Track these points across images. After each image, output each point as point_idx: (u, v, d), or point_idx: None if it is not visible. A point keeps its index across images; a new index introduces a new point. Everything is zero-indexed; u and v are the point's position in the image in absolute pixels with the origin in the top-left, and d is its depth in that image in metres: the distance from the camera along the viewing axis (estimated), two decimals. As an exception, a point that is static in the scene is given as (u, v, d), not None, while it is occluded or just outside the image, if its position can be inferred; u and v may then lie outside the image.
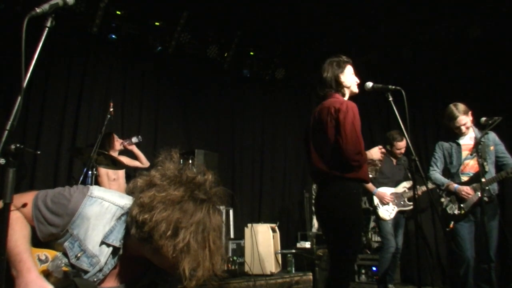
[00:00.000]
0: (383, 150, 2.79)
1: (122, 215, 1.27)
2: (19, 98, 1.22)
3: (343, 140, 2.45)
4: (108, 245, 1.25)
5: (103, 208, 1.27)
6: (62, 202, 1.26)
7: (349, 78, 2.80)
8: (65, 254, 1.24)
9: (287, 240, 6.02)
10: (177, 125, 6.04)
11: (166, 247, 1.09)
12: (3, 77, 4.29)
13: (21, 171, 4.40)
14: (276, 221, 5.34)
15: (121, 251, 1.26)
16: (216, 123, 6.41)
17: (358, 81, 2.83)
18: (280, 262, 4.92)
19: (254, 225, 4.82)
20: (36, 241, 1.27)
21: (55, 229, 1.25)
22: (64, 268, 1.22)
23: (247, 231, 4.81)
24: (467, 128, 3.58)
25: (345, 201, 2.49)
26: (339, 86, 2.76)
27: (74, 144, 4.86)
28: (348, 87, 2.80)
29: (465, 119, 3.55)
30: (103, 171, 4.51)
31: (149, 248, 1.16)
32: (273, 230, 4.95)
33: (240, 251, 4.98)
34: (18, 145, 1.18)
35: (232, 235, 5.58)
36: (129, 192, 1.24)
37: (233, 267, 4.32)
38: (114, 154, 4.53)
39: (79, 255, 1.23)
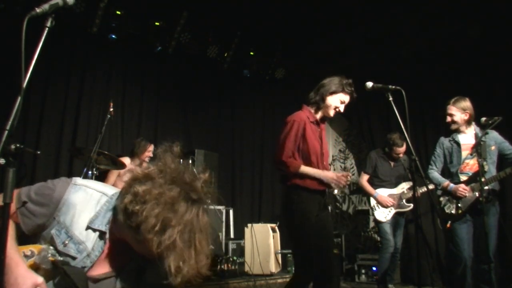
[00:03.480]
0: (346, 180, 2.80)
1: (107, 201, 1.31)
2: (19, 98, 1.22)
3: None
4: (94, 230, 1.28)
5: (87, 194, 1.31)
6: (47, 192, 1.30)
7: (334, 100, 2.88)
8: (52, 243, 1.27)
9: (287, 240, 6.02)
10: (177, 125, 6.05)
11: (152, 242, 1.11)
12: (3, 77, 4.29)
13: (21, 171, 4.40)
14: (276, 221, 5.34)
15: (107, 235, 1.29)
16: (216, 123, 6.41)
17: (341, 110, 2.93)
18: (280, 262, 4.92)
19: (254, 225, 4.82)
20: (20, 240, 1.28)
21: (41, 220, 1.28)
22: (51, 259, 1.24)
23: (247, 231, 4.81)
24: (454, 122, 3.58)
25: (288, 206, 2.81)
26: (321, 101, 2.89)
27: (74, 144, 4.86)
28: (326, 106, 2.90)
29: (453, 110, 3.56)
30: (114, 172, 4.50)
31: (133, 237, 1.19)
32: (273, 230, 4.95)
33: (240, 251, 4.98)
34: (18, 145, 1.18)
35: (232, 235, 5.59)
36: (123, 174, 1.26)
37: (233, 267, 4.33)
38: (139, 160, 4.54)
39: (66, 242, 1.26)
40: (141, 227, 1.12)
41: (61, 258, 1.26)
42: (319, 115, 2.95)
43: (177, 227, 1.12)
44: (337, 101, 2.88)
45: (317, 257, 2.66)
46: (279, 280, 4.42)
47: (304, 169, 2.77)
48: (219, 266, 4.27)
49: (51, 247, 1.26)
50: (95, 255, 1.28)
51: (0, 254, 1.10)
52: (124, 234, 1.24)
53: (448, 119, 3.60)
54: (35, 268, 1.23)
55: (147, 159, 4.63)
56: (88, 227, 1.28)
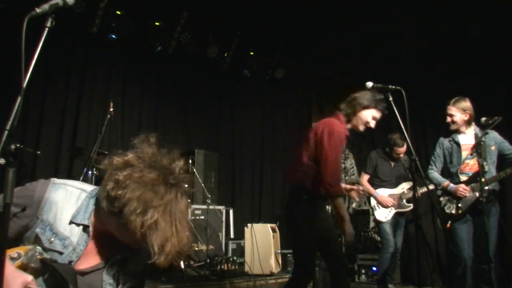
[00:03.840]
0: (361, 193, 3.01)
1: (86, 196, 1.37)
2: (19, 98, 1.22)
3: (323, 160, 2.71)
4: (78, 225, 1.33)
5: (67, 192, 1.36)
6: (28, 193, 1.32)
7: (366, 115, 2.89)
8: (37, 242, 1.29)
9: (287, 240, 6.02)
10: (177, 125, 6.05)
11: (135, 223, 1.17)
12: (3, 77, 4.29)
13: (21, 171, 4.40)
14: (276, 221, 5.34)
15: (90, 228, 1.34)
16: (216, 123, 6.41)
17: (371, 126, 2.93)
18: (280, 262, 4.92)
19: (254, 225, 4.82)
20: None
21: (25, 221, 1.30)
22: (39, 257, 1.26)
23: (247, 231, 4.81)
24: (454, 122, 3.58)
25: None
26: (352, 114, 2.89)
27: (74, 144, 4.86)
28: (357, 120, 2.91)
29: (454, 111, 3.55)
30: None
31: (116, 223, 1.24)
32: (273, 230, 4.95)
33: (240, 251, 4.98)
34: (18, 145, 1.18)
35: (232, 235, 5.59)
36: (104, 167, 1.30)
37: (233, 267, 4.33)
38: None
39: (51, 238, 1.29)
40: (124, 210, 1.18)
41: (48, 256, 1.28)
42: (348, 127, 2.95)
43: (158, 207, 1.18)
44: (369, 117, 2.88)
45: (340, 250, 2.82)
46: (279, 280, 4.42)
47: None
48: (219, 266, 4.27)
49: (38, 247, 1.28)
50: (80, 249, 1.32)
51: (0, 254, 1.10)
52: (108, 223, 1.29)
53: (448, 119, 3.60)
54: (23, 268, 1.24)
55: None
56: (71, 222, 1.33)
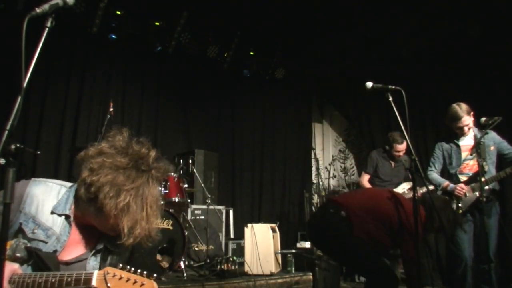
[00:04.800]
0: None
1: (66, 191, 1.44)
2: (19, 98, 1.22)
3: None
4: (59, 215, 1.39)
5: (48, 187, 1.43)
6: None
7: None
8: (22, 233, 1.35)
9: (287, 240, 6.03)
10: (177, 125, 6.05)
11: (109, 206, 1.24)
12: (3, 77, 4.29)
13: (21, 171, 4.40)
14: (276, 221, 5.34)
15: (72, 218, 1.40)
16: (216, 123, 6.41)
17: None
18: (280, 262, 4.92)
19: (254, 225, 4.81)
20: None
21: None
22: (24, 246, 1.32)
23: (247, 231, 4.80)
24: (469, 128, 3.57)
25: None
26: None
27: (74, 144, 4.86)
28: None
29: (468, 120, 3.53)
30: None
31: (93, 209, 1.31)
32: (273, 230, 4.94)
33: (240, 251, 4.98)
34: (18, 145, 1.18)
35: (232, 235, 5.59)
36: (80, 159, 1.35)
37: (233, 267, 4.32)
38: None
39: (35, 230, 1.35)
40: (99, 195, 1.26)
41: (33, 246, 1.34)
42: None
43: (130, 190, 1.26)
44: None
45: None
46: (279, 280, 4.42)
47: None
48: (219, 266, 4.26)
49: (22, 239, 1.34)
50: (64, 239, 1.38)
51: (0, 254, 1.10)
52: (87, 212, 1.36)
53: (466, 130, 3.57)
54: (10, 259, 1.30)
55: None
56: (52, 213, 1.39)
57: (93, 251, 1.42)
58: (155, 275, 1.35)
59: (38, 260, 1.31)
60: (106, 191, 1.25)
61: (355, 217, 2.62)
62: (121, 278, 1.28)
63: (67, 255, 1.38)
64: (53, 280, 1.28)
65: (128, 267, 1.31)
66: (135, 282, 1.27)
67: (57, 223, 1.38)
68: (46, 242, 1.35)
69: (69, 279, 1.28)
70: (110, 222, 1.30)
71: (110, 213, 1.26)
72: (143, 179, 1.31)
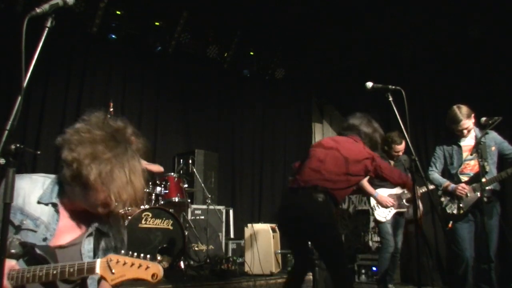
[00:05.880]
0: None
1: (51, 182, 1.46)
2: (19, 98, 1.23)
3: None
4: (46, 204, 1.41)
5: (32, 180, 1.46)
6: None
7: None
8: (11, 226, 1.36)
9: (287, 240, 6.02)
10: (177, 125, 6.05)
11: (93, 177, 1.27)
12: (3, 77, 4.29)
13: (21, 171, 4.40)
14: (276, 221, 5.33)
15: (59, 206, 1.42)
16: (216, 123, 6.41)
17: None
18: (280, 262, 4.92)
19: (254, 225, 4.81)
20: None
21: None
22: (18, 242, 1.33)
23: (247, 231, 4.80)
24: (469, 131, 3.57)
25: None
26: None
27: (74, 144, 4.86)
28: None
29: (467, 123, 3.52)
30: None
31: (79, 187, 1.33)
32: (273, 230, 4.94)
33: (240, 251, 4.98)
34: (18, 145, 1.18)
35: (232, 235, 5.59)
36: (60, 144, 1.38)
37: (233, 267, 4.32)
38: None
39: (23, 220, 1.37)
40: (81, 170, 1.28)
41: (22, 235, 1.36)
42: None
43: (111, 159, 1.30)
44: None
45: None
46: (279, 280, 4.42)
47: None
48: (219, 266, 4.26)
49: (14, 235, 1.36)
50: (53, 227, 1.40)
51: (0, 254, 1.10)
52: (74, 194, 1.38)
53: (465, 133, 3.57)
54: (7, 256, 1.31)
55: None
56: (39, 202, 1.41)
57: (86, 235, 1.44)
58: (159, 257, 1.37)
59: (34, 254, 1.32)
60: (87, 164, 1.28)
61: (335, 190, 2.78)
62: (125, 263, 1.29)
63: (60, 241, 1.41)
64: (54, 272, 1.29)
65: (131, 252, 1.32)
66: (140, 266, 1.28)
67: (45, 212, 1.41)
68: (35, 231, 1.37)
69: (71, 270, 1.29)
70: (97, 196, 1.32)
71: (95, 184, 1.28)
72: (122, 148, 1.35)
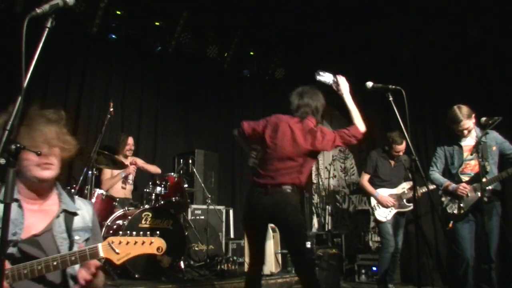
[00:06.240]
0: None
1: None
2: (19, 98, 1.23)
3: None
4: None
5: None
6: None
7: None
8: None
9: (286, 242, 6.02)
10: (177, 125, 6.04)
11: (26, 141, 1.34)
12: (3, 77, 4.29)
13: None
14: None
15: (21, 201, 1.50)
16: (216, 123, 6.40)
17: None
18: (280, 262, 4.92)
19: (254, 225, 4.80)
20: None
21: None
22: None
23: (247, 231, 4.80)
24: (469, 131, 3.57)
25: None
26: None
27: (74, 144, 4.86)
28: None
29: (468, 123, 3.52)
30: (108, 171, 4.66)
31: (21, 163, 1.46)
32: (273, 230, 4.94)
33: (240, 251, 4.98)
34: (18, 145, 1.18)
35: (232, 235, 5.59)
36: None
37: (233, 267, 4.32)
38: (122, 155, 4.74)
39: None
40: (19, 146, 1.33)
41: None
42: None
43: (32, 123, 1.48)
44: None
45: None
46: (279, 280, 4.42)
47: None
48: (219, 266, 4.26)
49: None
50: (20, 221, 1.46)
51: (0, 254, 1.10)
52: (21, 170, 1.49)
53: (465, 133, 3.57)
54: None
55: (128, 153, 4.77)
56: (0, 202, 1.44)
57: (55, 217, 1.53)
58: (157, 232, 1.39)
59: (21, 251, 1.35)
60: (21, 137, 1.38)
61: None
62: (128, 243, 1.33)
63: (34, 230, 1.47)
64: (55, 263, 1.32)
65: (129, 232, 1.38)
66: (144, 242, 1.33)
67: (14, 211, 1.45)
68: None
69: (73, 258, 1.33)
70: (27, 157, 1.45)
71: (33, 146, 1.38)
72: (36, 115, 1.55)
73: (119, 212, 4.14)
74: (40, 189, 1.55)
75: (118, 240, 1.33)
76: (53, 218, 1.53)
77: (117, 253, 1.32)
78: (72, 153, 1.62)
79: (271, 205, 2.78)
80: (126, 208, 4.27)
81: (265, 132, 2.99)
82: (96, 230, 1.68)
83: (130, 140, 4.83)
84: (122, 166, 4.35)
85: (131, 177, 4.78)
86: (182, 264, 4.10)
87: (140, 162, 4.89)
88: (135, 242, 1.33)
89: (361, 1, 5.04)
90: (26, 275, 1.31)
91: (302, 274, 2.81)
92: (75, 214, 1.59)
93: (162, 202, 4.29)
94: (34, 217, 1.51)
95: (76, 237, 1.54)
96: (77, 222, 1.59)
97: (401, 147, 4.45)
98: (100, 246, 1.34)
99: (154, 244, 1.34)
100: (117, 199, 4.42)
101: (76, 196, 1.72)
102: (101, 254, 1.33)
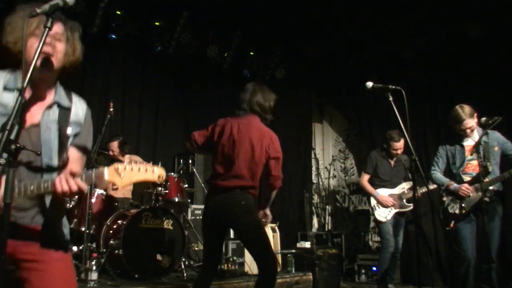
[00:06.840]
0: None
1: (9, 71, 1.57)
2: (19, 98, 1.23)
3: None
4: (12, 90, 1.51)
5: None
6: None
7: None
8: None
9: (287, 240, 6.02)
10: (177, 125, 6.04)
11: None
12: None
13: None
14: (276, 221, 5.34)
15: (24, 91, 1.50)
16: (216, 123, 6.39)
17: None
18: (280, 262, 4.92)
19: (254, 225, 4.80)
20: None
21: None
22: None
23: (247, 231, 4.79)
24: (472, 131, 3.57)
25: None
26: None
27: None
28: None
29: (471, 122, 3.52)
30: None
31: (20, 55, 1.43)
32: (273, 230, 4.95)
33: (240, 251, 4.97)
34: (18, 145, 1.18)
35: (232, 235, 5.58)
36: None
37: (233, 267, 4.32)
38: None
39: None
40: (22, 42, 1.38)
41: None
42: None
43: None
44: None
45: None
46: (279, 280, 4.42)
47: None
48: (219, 266, 4.26)
49: None
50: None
51: (0, 254, 1.10)
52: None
53: (468, 132, 3.57)
54: None
55: (120, 157, 4.69)
56: (5, 89, 1.51)
57: (46, 107, 1.56)
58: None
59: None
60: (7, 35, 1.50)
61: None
62: (132, 169, 1.38)
63: (32, 120, 1.50)
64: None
65: (133, 162, 1.42)
66: (147, 170, 1.38)
67: (11, 98, 1.47)
68: (4, 115, 1.41)
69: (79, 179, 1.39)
70: (31, 46, 1.46)
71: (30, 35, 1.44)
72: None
73: (119, 212, 4.14)
74: (40, 82, 1.57)
75: (123, 166, 1.37)
76: (44, 109, 1.55)
77: (121, 178, 1.37)
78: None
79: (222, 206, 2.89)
80: (126, 208, 4.26)
81: (215, 135, 3.11)
82: (87, 129, 1.72)
83: (113, 146, 4.70)
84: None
85: None
86: (182, 264, 4.10)
87: (140, 162, 4.88)
88: (139, 169, 1.38)
89: (361, 1, 5.03)
90: (32, 191, 1.34)
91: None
92: (68, 109, 1.64)
93: (162, 202, 4.29)
94: (34, 106, 1.54)
95: (68, 131, 1.60)
96: (70, 114, 1.65)
97: (399, 144, 4.44)
98: (106, 170, 1.38)
99: (156, 173, 1.39)
100: (117, 199, 4.42)
101: (74, 94, 1.80)
102: (106, 177, 1.37)
